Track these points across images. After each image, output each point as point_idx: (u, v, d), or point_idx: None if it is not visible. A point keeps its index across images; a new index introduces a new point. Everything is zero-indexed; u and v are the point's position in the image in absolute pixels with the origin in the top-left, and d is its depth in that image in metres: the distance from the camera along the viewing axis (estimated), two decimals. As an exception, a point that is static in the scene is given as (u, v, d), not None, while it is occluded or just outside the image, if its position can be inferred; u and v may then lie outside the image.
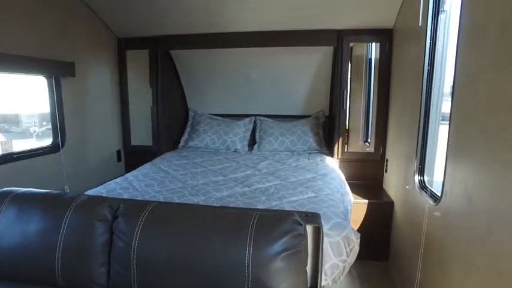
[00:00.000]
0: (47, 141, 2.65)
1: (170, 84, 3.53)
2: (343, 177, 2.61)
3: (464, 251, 1.33)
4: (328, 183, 2.28)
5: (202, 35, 3.10)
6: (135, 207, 1.11)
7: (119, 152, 3.44)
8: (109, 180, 2.40)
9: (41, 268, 1.07)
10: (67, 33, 2.66)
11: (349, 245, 1.59)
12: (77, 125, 2.82)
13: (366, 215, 2.67)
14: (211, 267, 0.94)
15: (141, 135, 3.46)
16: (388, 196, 2.77)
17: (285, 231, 0.95)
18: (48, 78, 2.54)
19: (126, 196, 2.01)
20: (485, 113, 1.20)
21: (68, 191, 2.63)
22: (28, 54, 2.25)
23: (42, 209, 1.11)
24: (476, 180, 1.25)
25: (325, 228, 1.55)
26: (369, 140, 3.39)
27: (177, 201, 1.97)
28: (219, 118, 3.73)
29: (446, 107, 1.84)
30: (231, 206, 1.85)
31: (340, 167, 3.04)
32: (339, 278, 1.59)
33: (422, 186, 1.99)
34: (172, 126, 3.66)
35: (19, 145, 2.44)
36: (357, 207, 2.60)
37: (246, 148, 3.46)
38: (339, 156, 3.15)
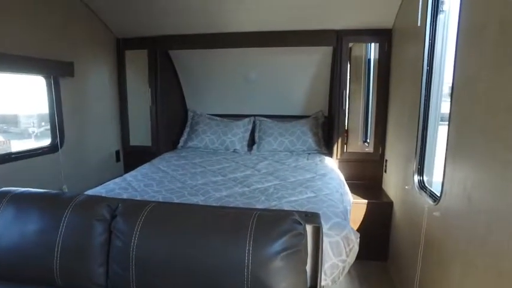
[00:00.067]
0: (46, 142, 2.64)
1: (169, 84, 3.53)
2: (342, 178, 2.62)
3: (463, 251, 1.33)
4: (327, 183, 2.28)
5: (201, 35, 3.10)
6: (134, 207, 1.10)
7: (117, 152, 3.44)
8: (108, 181, 2.39)
9: (39, 268, 1.06)
10: (66, 33, 2.65)
11: (348, 244, 1.59)
12: (76, 125, 2.81)
13: (365, 215, 2.67)
14: (211, 267, 0.94)
15: (140, 135, 3.45)
16: (387, 196, 2.78)
17: (284, 231, 0.94)
18: (47, 78, 2.54)
19: (125, 196, 2.01)
20: (485, 112, 1.20)
21: (67, 191, 2.62)
22: (27, 54, 2.24)
23: (41, 209, 1.11)
24: (476, 180, 1.25)
25: (325, 228, 1.55)
26: (368, 140, 3.39)
27: (176, 201, 1.96)
28: (218, 118, 3.72)
29: (445, 107, 1.85)
30: (230, 206, 1.85)
31: (340, 167, 3.05)
32: (339, 278, 1.58)
33: (422, 186, 1.99)
34: (171, 126, 3.66)
35: (18, 146, 2.44)
36: (356, 207, 2.61)
37: (245, 148, 3.45)
38: (338, 157, 3.15)
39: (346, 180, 2.62)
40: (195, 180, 2.40)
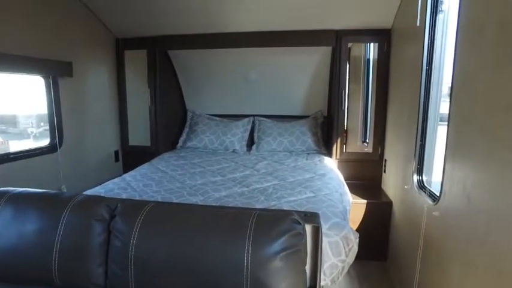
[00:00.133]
0: (45, 142, 2.63)
1: (168, 84, 3.52)
2: (341, 178, 2.62)
3: (463, 251, 1.33)
4: (326, 183, 2.28)
5: (200, 35, 3.10)
6: (133, 206, 1.10)
7: (116, 153, 3.43)
8: (107, 181, 2.39)
9: (37, 268, 1.06)
10: (65, 33, 2.65)
11: (348, 244, 1.59)
12: (75, 125, 2.80)
13: (364, 215, 2.67)
14: (210, 267, 0.94)
15: (139, 135, 3.45)
16: (386, 196, 2.78)
17: (284, 231, 0.94)
18: (46, 78, 2.53)
19: (124, 196, 2.01)
20: (484, 112, 1.20)
21: (65, 191, 2.61)
22: (26, 54, 2.24)
23: (39, 209, 1.10)
24: (475, 179, 1.25)
25: (324, 228, 1.55)
26: (367, 140, 3.39)
27: (175, 201, 1.96)
28: (218, 118, 3.72)
29: (444, 108, 1.85)
30: (230, 206, 1.84)
31: (339, 167, 3.05)
32: (338, 278, 1.58)
33: (421, 186, 1.99)
34: (171, 126, 3.65)
35: (16, 146, 2.43)
36: (356, 207, 2.61)
37: (245, 148, 3.45)
38: (338, 157, 3.15)
39: (345, 180, 2.62)
40: (194, 180, 2.40)
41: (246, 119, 3.62)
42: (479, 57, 1.26)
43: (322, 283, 1.52)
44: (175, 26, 3.04)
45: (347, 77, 3.07)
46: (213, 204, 1.86)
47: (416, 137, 2.02)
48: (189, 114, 3.79)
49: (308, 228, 1.10)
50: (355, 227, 2.60)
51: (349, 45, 3.10)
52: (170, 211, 1.08)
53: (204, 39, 3.11)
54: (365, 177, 3.08)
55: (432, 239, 1.67)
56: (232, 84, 3.59)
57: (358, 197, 2.72)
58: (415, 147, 2.03)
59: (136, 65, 3.36)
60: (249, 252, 0.92)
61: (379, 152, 3.00)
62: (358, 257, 1.66)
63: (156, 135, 3.40)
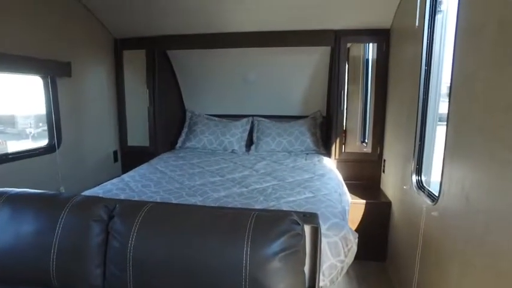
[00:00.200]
0: (43, 143, 2.63)
1: (167, 84, 3.52)
2: (340, 178, 2.61)
3: (462, 251, 1.33)
4: (325, 184, 2.28)
5: (199, 35, 3.10)
6: (131, 207, 1.09)
7: (115, 153, 3.43)
8: (105, 181, 2.38)
9: (35, 269, 1.05)
10: (63, 33, 2.64)
11: (347, 245, 1.59)
12: (73, 125, 2.80)
13: (363, 215, 2.67)
14: (209, 268, 0.93)
15: (138, 135, 3.44)
16: (385, 196, 2.78)
17: (282, 231, 0.94)
18: (44, 78, 2.52)
19: (122, 197, 2.00)
20: (483, 112, 1.20)
21: (64, 191, 2.61)
22: (25, 54, 2.23)
23: (37, 210, 1.09)
24: (474, 179, 1.25)
25: (323, 228, 1.55)
26: (366, 141, 3.39)
27: (174, 201, 1.96)
28: (216, 119, 3.72)
29: (443, 108, 1.85)
30: (229, 206, 1.84)
31: (338, 168, 3.05)
32: (337, 279, 1.58)
33: (420, 186, 1.99)
34: (169, 126, 3.65)
35: (15, 146, 2.42)
36: (355, 207, 2.61)
37: (244, 149, 3.45)
38: (337, 157, 3.15)
39: (344, 180, 2.62)
40: (193, 180, 2.39)
41: (245, 119, 3.62)
42: (479, 57, 1.26)
43: (321, 284, 1.52)
44: (174, 26, 3.04)
45: (346, 77, 3.07)
46: (212, 205, 1.86)
47: (415, 137, 2.02)
48: (188, 115, 3.79)
49: (307, 228, 1.10)
50: (354, 227, 2.60)
51: (348, 45, 3.10)
52: (169, 212, 1.08)
53: (203, 39, 3.10)
54: (364, 177, 3.08)
55: (431, 239, 1.67)
56: (231, 84, 3.58)
57: (357, 197, 2.71)
58: (414, 147, 2.03)
59: (135, 65, 3.35)
60: (248, 252, 0.91)
61: (378, 152, 3.00)
62: (357, 257, 1.66)
63: (154, 135, 3.39)
